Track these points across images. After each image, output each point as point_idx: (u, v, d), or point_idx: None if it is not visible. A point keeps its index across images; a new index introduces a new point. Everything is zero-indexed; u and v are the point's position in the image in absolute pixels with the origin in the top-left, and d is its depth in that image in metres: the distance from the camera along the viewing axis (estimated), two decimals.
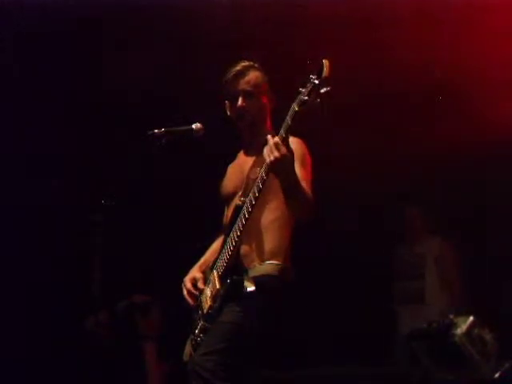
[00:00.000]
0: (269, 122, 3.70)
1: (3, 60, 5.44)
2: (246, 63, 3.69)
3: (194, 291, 3.64)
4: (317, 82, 3.06)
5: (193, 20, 5.35)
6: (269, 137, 3.21)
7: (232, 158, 3.87)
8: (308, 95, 3.09)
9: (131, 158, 5.04)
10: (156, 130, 3.60)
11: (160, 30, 5.44)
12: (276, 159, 3.16)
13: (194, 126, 3.68)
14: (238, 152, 3.84)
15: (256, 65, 3.71)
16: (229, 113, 3.73)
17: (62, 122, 5.71)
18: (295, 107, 3.15)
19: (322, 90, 3.06)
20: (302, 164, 3.47)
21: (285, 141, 3.20)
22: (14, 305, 5.71)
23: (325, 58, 3.06)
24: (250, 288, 3.37)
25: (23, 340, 5.73)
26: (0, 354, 5.57)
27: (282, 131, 3.22)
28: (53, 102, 5.67)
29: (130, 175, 5.33)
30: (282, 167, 3.20)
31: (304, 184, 3.35)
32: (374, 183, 5.97)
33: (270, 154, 3.18)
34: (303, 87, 3.12)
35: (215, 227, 3.86)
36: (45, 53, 5.44)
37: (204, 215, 4.59)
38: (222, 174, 3.85)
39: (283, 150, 3.17)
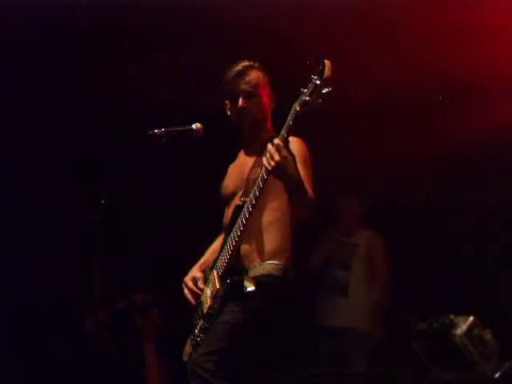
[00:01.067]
0: (269, 122, 3.69)
1: (3, 57, 5.44)
2: (246, 63, 3.67)
3: (196, 290, 3.62)
4: (318, 82, 3.07)
5: (193, 20, 5.36)
6: (269, 144, 3.19)
7: (232, 157, 3.87)
8: (310, 95, 3.10)
9: (131, 157, 5.05)
10: (156, 130, 3.60)
11: (160, 30, 5.45)
12: (277, 163, 3.15)
13: (193, 126, 3.67)
14: (239, 152, 3.83)
15: (256, 64, 3.68)
16: (229, 113, 3.72)
17: (62, 122, 5.72)
18: (297, 107, 3.15)
19: (324, 91, 3.07)
20: (304, 164, 3.46)
21: (285, 141, 3.20)
22: (14, 305, 5.71)
23: (327, 58, 3.07)
24: (250, 288, 3.36)
25: (23, 340, 5.74)
26: (0, 354, 5.57)
27: (283, 131, 3.21)
28: (53, 101, 5.67)
29: (130, 175, 5.34)
30: (284, 170, 3.19)
31: (306, 184, 3.34)
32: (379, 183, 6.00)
33: (270, 159, 3.16)
34: (305, 87, 3.13)
35: (216, 227, 3.85)
36: (45, 50, 5.44)
37: (205, 215, 4.59)
38: (223, 173, 3.84)
39: (284, 152, 3.16)
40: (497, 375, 4.73)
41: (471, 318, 4.89)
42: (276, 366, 4.88)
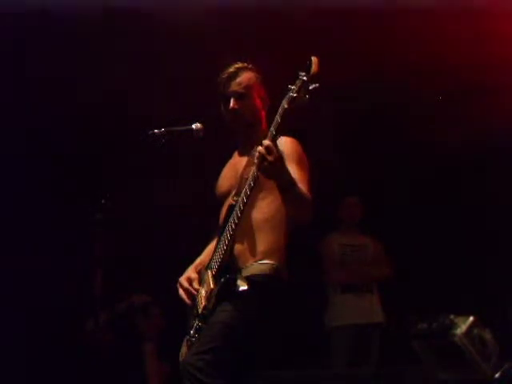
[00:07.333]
0: (264, 122, 3.67)
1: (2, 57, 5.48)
2: (239, 65, 3.67)
3: (191, 289, 3.61)
4: (305, 78, 3.07)
5: (192, 20, 5.37)
6: (258, 147, 3.17)
7: (229, 157, 3.86)
8: (297, 92, 3.09)
9: (131, 157, 5.05)
10: (156, 130, 3.60)
11: (159, 29, 5.46)
12: (270, 164, 3.12)
13: (194, 126, 3.69)
14: (234, 152, 3.82)
15: (250, 66, 3.68)
16: (223, 114, 3.72)
17: (61, 122, 5.74)
18: (285, 105, 3.14)
19: (311, 87, 3.06)
20: (298, 164, 3.44)
21: (274, 139, 3.17)
22: (15, 305, 5.73)
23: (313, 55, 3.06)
24: (243, 287, 3.35)
25: (24, 340, 5.75)
26: (0, 354, 5.59)
27: (271, 129, 3.20)
28: (53, 101, 5.68)
29: (130, 175, 5.35)
30: (275, 171, 3.16)
31: (302, 185, 3.31)
32: None
33: (262, 160, 3.13)
34: (292, 84, 3.12)
35: (215, 227, 3.85)
36: (44, 51, 5.46)
37: (205, 215, 4.58)
38: (218, 173, 3.84)
39: (273, 155, 3.12)
40: (497, 375, 4.71)
41: (471, 318, 4.86)
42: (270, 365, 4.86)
